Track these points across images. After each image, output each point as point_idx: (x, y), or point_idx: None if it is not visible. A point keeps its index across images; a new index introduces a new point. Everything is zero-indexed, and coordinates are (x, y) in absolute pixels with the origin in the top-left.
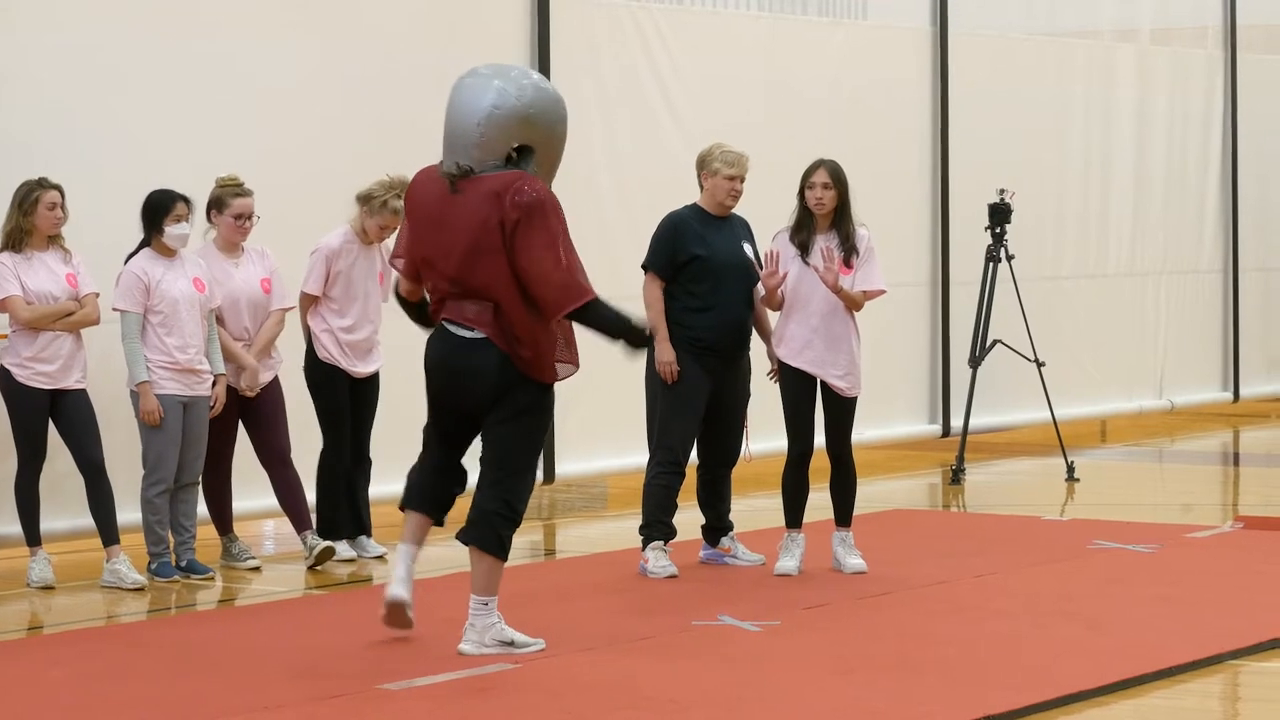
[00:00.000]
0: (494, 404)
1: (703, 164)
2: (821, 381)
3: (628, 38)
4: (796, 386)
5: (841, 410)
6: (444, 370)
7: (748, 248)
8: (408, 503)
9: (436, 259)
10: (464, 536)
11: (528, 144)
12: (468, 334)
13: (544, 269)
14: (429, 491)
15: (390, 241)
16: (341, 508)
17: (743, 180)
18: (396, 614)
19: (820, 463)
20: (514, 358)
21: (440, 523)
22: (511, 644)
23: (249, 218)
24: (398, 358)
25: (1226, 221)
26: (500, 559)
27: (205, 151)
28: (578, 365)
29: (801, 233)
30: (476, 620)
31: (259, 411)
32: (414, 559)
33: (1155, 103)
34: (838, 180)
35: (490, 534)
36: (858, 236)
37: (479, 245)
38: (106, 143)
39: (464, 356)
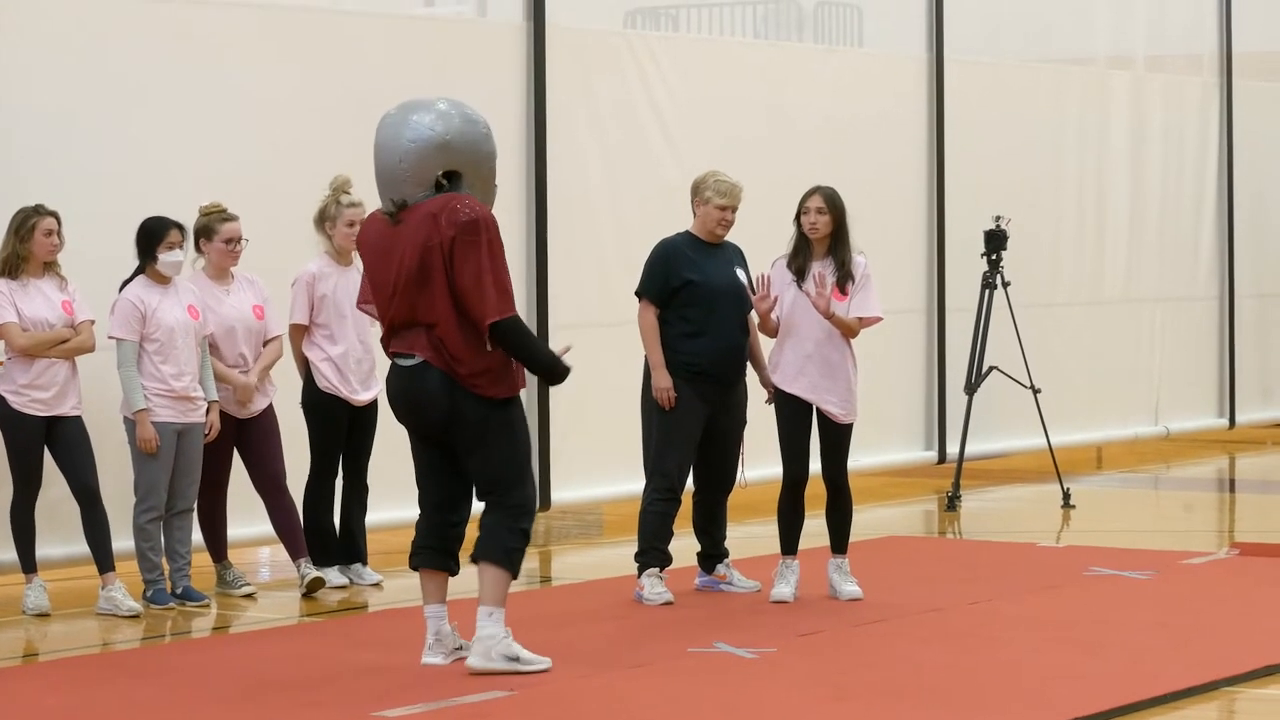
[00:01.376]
0: (450, 425)
1: (696, 191)
2: (817, 408)
3: (623, 64)
4: (792, 413)
5: (837, 437)
6: (400, 401)
7: (740, 273)
8: (415, 562)
9: (389, 290)
10: (473, 555)
11: (453, 169)
12: (409, 361)
13: (478, 284)
14: (433, 542)
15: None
16: (330, 534)
17: (735, 210)
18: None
19: (816, 489)
20: (454, 376)
21: (454, 571)
22: (517, 659)
23: (239, 241)
24: None
25: (1222, 248)
26: (508, 571)
27: (200, 180)
28: (523, 384)
29: (798, 258)
30: (482, 632)
31: (254, 439)
32: (443, 619)
33: (1150, 130)
34: (833, 205)
35: (496, 546)
36: (854, 263)
37: (424, 266)
38: (102, 171)
39: (410, 383)
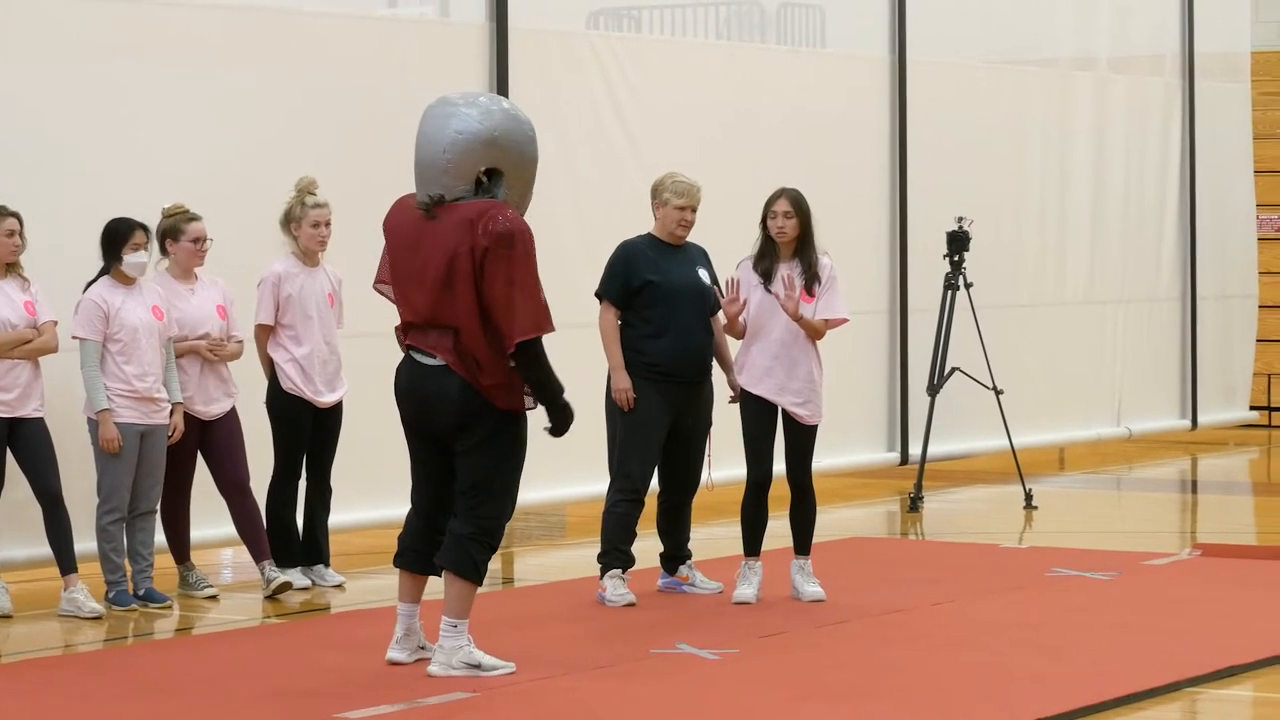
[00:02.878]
0: (460, 431)
1: (655, 193)
2: (782, 409)
3: (585, 66)
4: (757, 414)
5: (802, 438)
6: (410, 397)
7: (704, 274)
8: (399, 561)
9: (411, 283)
10: (439, 560)
11: (495, 168)
12: (430, 361)
13: (509, 298)
14: (420, 545)
15: (330, 260)
16: (293, 535)
17: (694, 210)
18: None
19: (779, 490)
20: (476, 385)
21: (438, 572)
22: (479, 666)
23: (205, 240)
24: (356, 385)
25: (1184, 249)
26: (473, 582)
27: (165, 181)
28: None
29: (764, 261)
30: (446, 642)
31: (218, 442)
32: (414, 616)
33: (1113, 131)
34: (799, 208)
35: (464, 558)
36: (820, 265)
37: (451, 271)
38: (67, 171)
39: (427, 383)
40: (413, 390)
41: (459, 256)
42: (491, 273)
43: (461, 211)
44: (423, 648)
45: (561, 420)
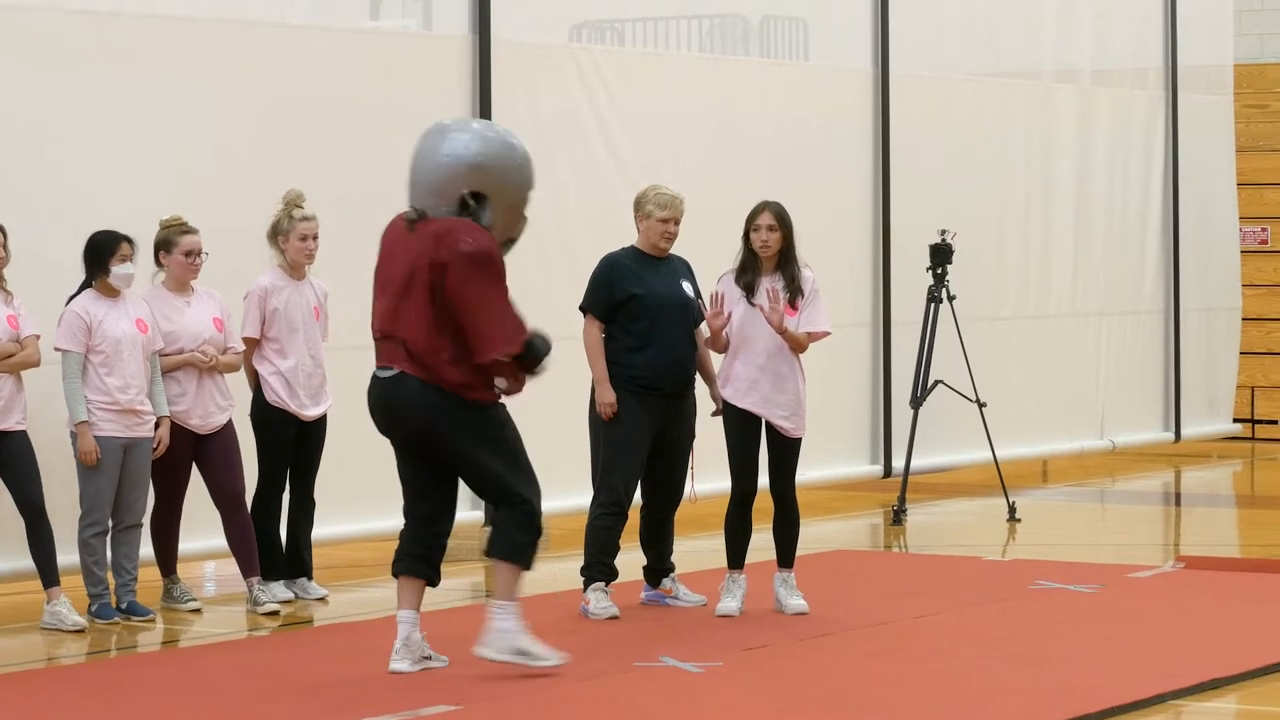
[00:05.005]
0: (431, 437)
1: (638, 206)
2: (766, 422)
3: (568, 78)
4: (741, 427)
5: (786, 451)
6: (377, 411)
7: (687, 286)
8: (397, 569)
9: (380, 293)
10: (487, 551)
11: (481, 191)
12: (387, 373)
13: (476, 319)
14: (417, 550)
15: (315, 273)
16: (276, 548)
17: (677, 222)
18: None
19: (763, 503)
20: (439, 384)
21: (434, 582)
22: (527, 654)
23: (199, 254)
24: (340, 399)
25: (1168, 262)
26: (522, 566)
27: (147, 192)
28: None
29: (746, 275)
30: (496, 624)
31: (215, 455)
32: (414, 624)
33: (1096, 143)
34: (782, 222)
35: (509, 543)
36: (803, 278)
37: (412, 280)
38: (48, 182)
39: (386, 393)
40: (378, 403)
41: (419, 269)
42: (457, 291)
43: (435, 225)
44: (428, 657)
45: (534, 361)
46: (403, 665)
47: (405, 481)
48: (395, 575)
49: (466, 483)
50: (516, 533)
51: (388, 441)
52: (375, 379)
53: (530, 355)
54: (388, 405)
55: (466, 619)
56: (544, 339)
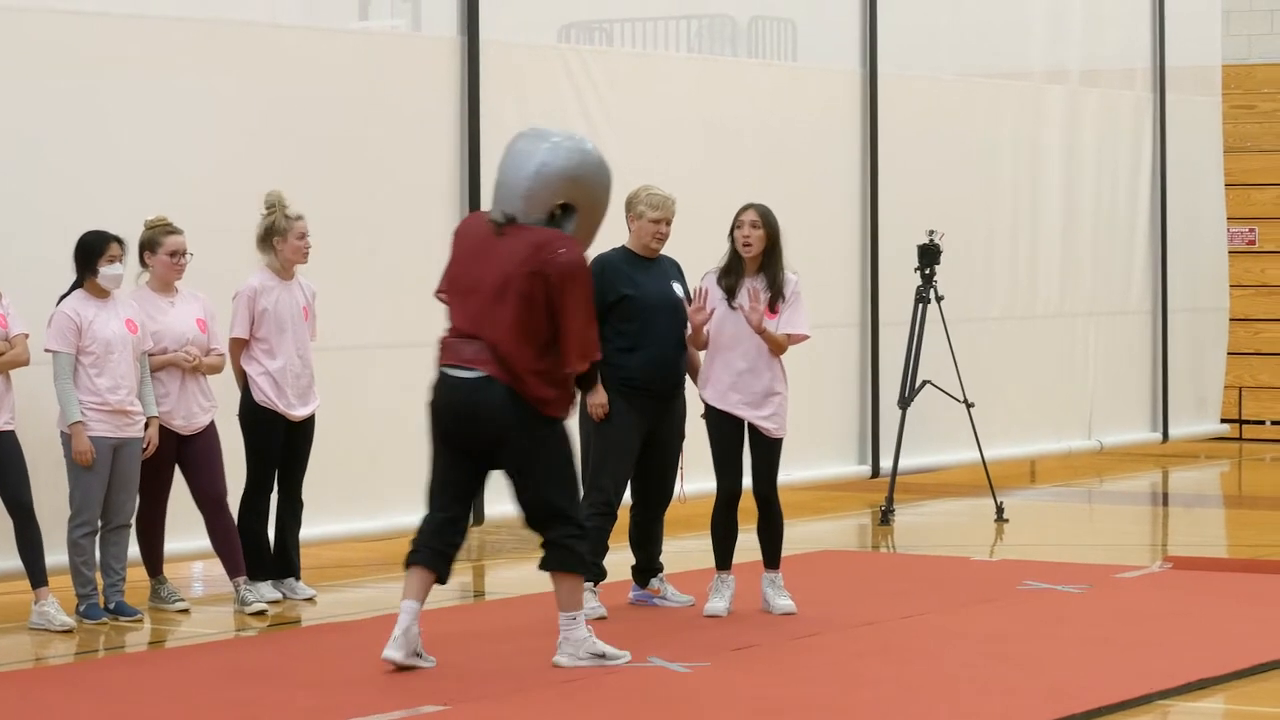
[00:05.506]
0: (504, 444)
1: (629, 206)
2: (748, 423)
3: (556, 79)
4: (723, 428)
5: (768, 451)
6: (448, 412)
7: (678, 287)
8: (412, 559)
9: (465, 294)
10: (545, 565)
11: (571, 203)
12: (467, 374)
13: (578, 326)
14: (436, 544)
15: (303, 272)
16: (264, 548)
17: (668, 223)
18: (393, 665)
19: (749, 503)
20: (524, 396)
21: (444, 579)
22: (603, 656)
23: (183, 254)
24: (327, 399)
25: (1155, 262)
26: (581, 574)
27: (138, 192)
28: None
29: (729, 276)
30: (569, 634)
31: (197, 457)
32: (415, 616)
33: (1084, 144)
34: (767, 222)
35: (568, 555)
36: (785, 280)
37: (505, 288)
38: (40, 183)
39: (468, 395)
40: (451, 404)
41: (517, 276)
42: (560, 302)
43: (529, 235)
44: (419, 655)
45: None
46: (396, 654)
47: (441, 481)
48: (409, 565)
49: (517, 494)
50: (576, 544)
51: (377, 442)
52: (449, 378)
53: (591, 373)
54: (468, 407)
55: (454, 619)
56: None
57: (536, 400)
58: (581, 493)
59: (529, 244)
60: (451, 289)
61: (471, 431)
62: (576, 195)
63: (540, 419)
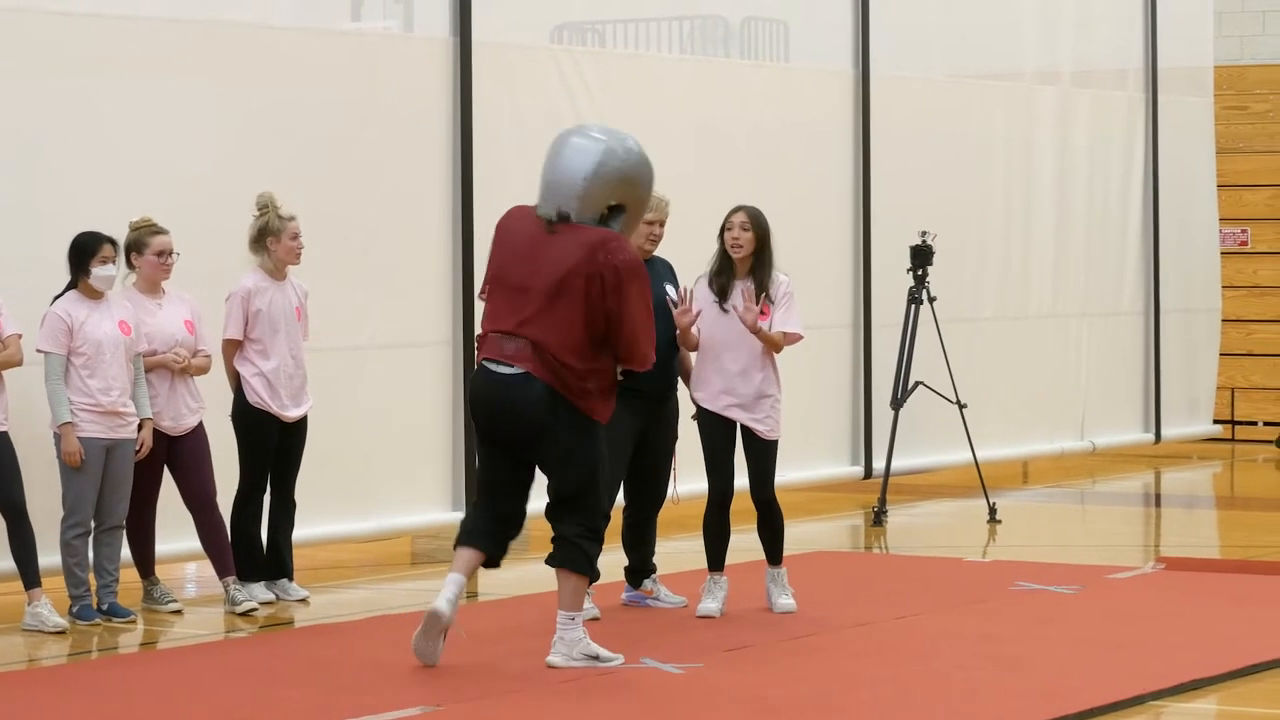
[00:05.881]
0: (537, 439)
1: None
2: (742, 425)
3: (549, 79)
4: (715, 430)
5: (763, 454)
6: (489, 407)
7: (670, 289)
8: (463, 540)
9: (512, 291)
10: (552, 560)
11: (622, 203)
12: (508, 370)
13: (636, 332)
14: (484, 525)
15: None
16: (257, 549)
17: (662, 225)
18: (432, 626)
19: (742, 504)
20: (565, 393)
21: (495, 562)
22: (597, 658)
23: (170, 254)
24: (319, 400)
25: (1148, 263)
26: (587, 575)
27: (131, 193)
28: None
29: (720, 278)
30: (565, 634)
31: (185, 457)
32: (461, 588)
33: (1076, 145)
34: (756, 223)
35: (577, 554)
36: (777, 282)
37: (561, 287)
38: (32, 184)
39: (508, 391)
40: (490, 399)
41: (574, 276)
42: (618, 302)
43: (584, 235)
44: (447, 628)
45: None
46: (444, 608)
47: (487, 480)
48: (460, 545)
49: (548, 484)
50: (587, 545)
51: (370, 443)
52: (490, 372)
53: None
54: (506, 402)
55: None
56: None
57: (580, 400)
58: (607, 502)
59: (584, 244)
60: (497, 285)
61: (509, 427)
62: (628, 195)
63: (579, 419)
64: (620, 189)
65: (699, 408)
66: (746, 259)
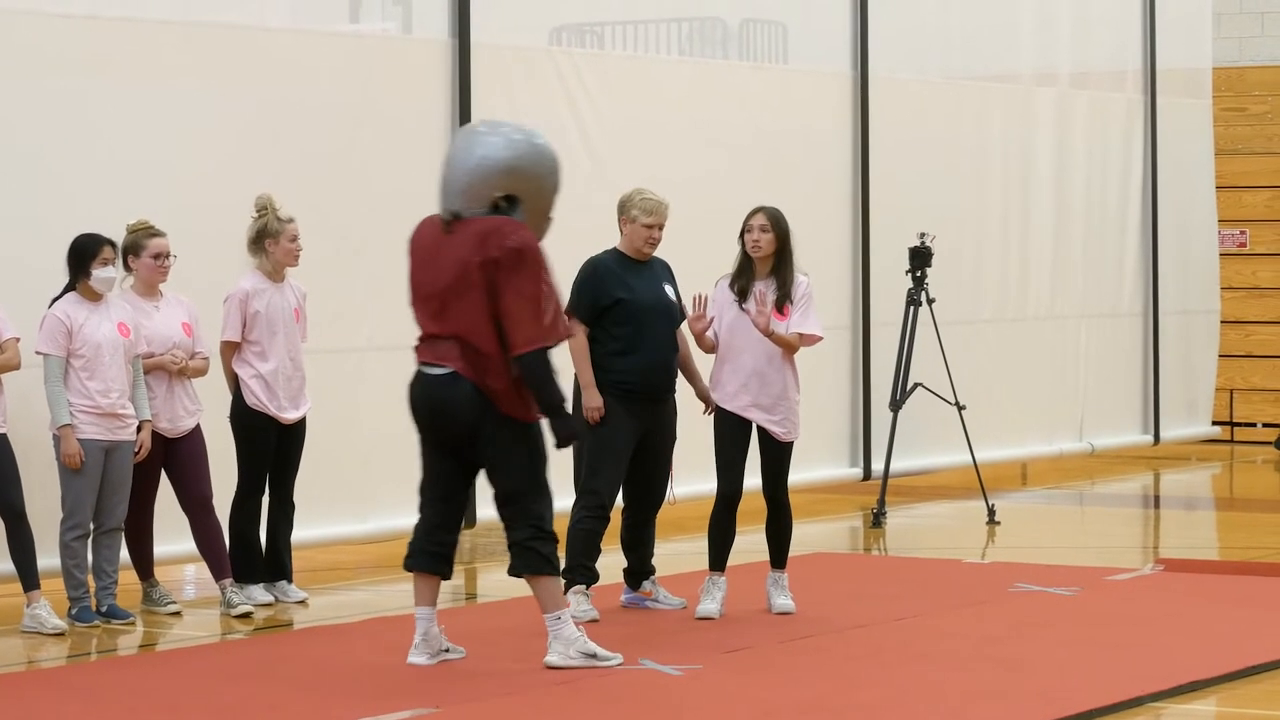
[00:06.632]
0: (472, 439)
1: (622, 209)
2: (758, 426)
3: (548, 82)
4: (731, 430)
5: (778, 455)
6: (423, 407)
7: (669, 289)
8: (410, 564)
9: (426, 295)
10: (513, 570)
11: (513, 194)
12: (439, 370)
13: (516, 310)
14: (430, 547)
15: (293, 275)
16: (256, 551)
17: (661, 228)
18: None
19: (745, 507)
20: (488, 391)
21: (447, 575)
22: (594, 655)
23: (167, 257)
24: (317, 402)
25: (1146, 265)
26: (552, 574)
27: (128, 195)
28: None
29: (741, 278)
30: (558, 633)
31: (182, 459)
32: (431, 620)
33: (1075, 146)
34: (776, 225)
35: (534, 557)
36: (796, 283)
37: (463, 282)
38: (30, 186)
39: (438, 391)
40: (425, 400)
41: (470, 268)
42: (502, 285)
43: (476, 226)
44: (446, 650)
45: (563, 430)
46: (420, 659)
47: (430, 481)
48: (408, 570)
49: (492, 487)
50: (539, 545)
51: (368, 445)
52: (422, 375)
53: (557, 399)
54: (439, 402)
55: (446, 622)
56: (570, 423)
57: (504, 401)
58: (549, 491)
59: (477, 234)
60: (415, 296)
61: (443, 426)
62: (516, 185)
63: (508, 420)
64: (506, 180)
65: (716, 407)
66: (767, 260)
